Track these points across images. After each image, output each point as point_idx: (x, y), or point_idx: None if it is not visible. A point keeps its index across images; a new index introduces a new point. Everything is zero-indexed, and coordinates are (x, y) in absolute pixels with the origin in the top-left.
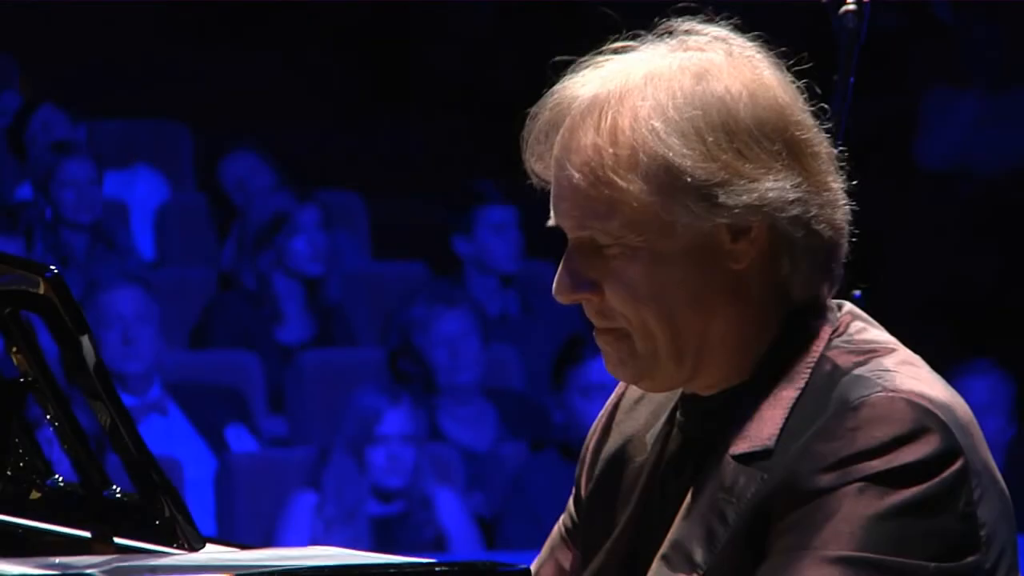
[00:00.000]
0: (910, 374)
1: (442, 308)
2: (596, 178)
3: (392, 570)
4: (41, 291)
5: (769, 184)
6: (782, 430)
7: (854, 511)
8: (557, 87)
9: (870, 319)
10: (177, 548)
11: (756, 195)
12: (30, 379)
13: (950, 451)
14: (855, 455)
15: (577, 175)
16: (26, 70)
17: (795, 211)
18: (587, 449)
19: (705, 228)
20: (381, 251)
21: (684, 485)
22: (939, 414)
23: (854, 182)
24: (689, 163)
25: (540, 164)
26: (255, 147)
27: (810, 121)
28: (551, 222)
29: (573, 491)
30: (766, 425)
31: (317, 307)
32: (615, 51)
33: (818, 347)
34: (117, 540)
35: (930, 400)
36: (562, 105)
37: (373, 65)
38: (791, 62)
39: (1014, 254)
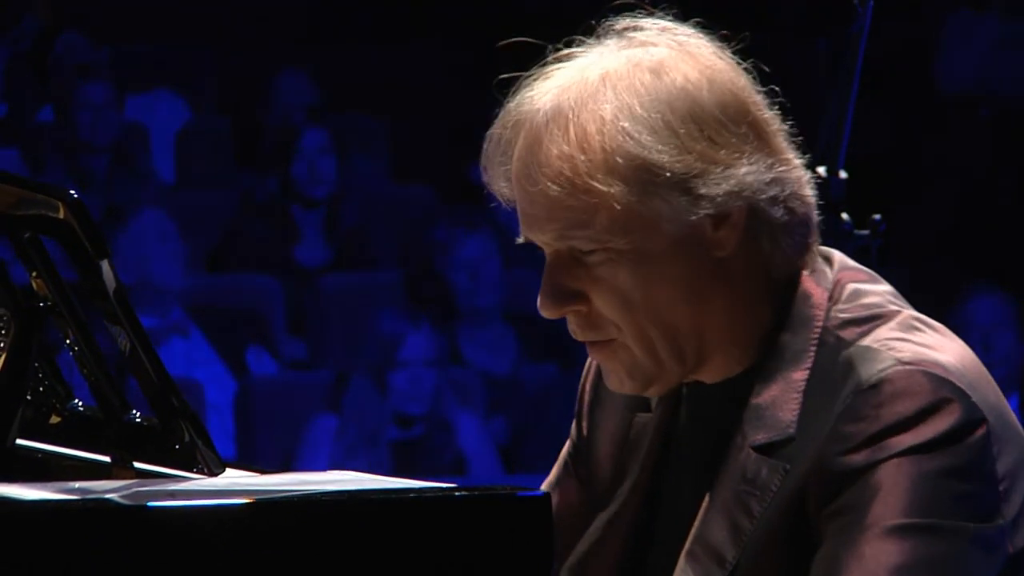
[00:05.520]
0: (917, 340)
1: (463, 231)
2: (573, 187)
3: (412, 495)
4: (61, 215)
5: (745, 168)
6: (799, 415)
7: (897, 482)
8: (511, 104)
9: (865, 270)
10: (197, 473)
11: (735, 181)
12: (50, 304)
13: (973, 419)
14: (883, 431)
15: (553, 187)
16: None
17: (772, 191)
18: (583, 389)
19: (689, 221)
20: (401, 174)
21: (700, 473)
22: (955, 381)
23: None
24: (666, 158)
25: (506, 184)
26: (277, 71)
27: (764, 100)
28: (521, 239)
29: (574, 425)
30: (782, 411)
31: (335, 230)
32: (559, 59)
33: (818, 321)
34: (137, 465)
35: (943, 367)
36: (521, 120)
37: None
38: (733, 44)
39: None
